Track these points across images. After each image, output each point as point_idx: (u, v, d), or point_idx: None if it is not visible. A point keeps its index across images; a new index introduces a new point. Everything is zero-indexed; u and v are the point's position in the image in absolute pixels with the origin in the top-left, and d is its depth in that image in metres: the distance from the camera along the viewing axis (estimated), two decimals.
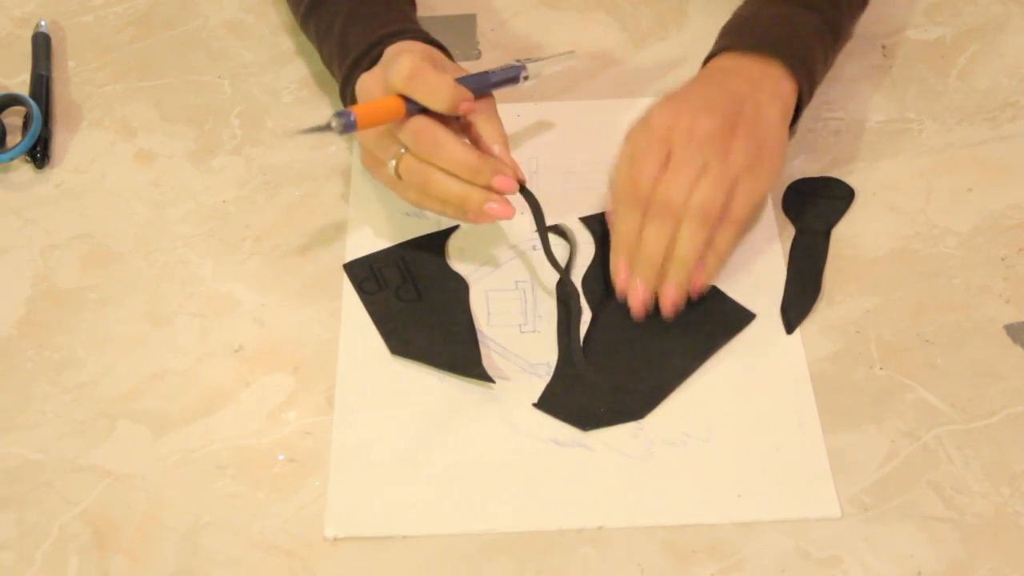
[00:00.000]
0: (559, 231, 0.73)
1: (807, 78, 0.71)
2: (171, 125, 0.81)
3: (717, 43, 0.74)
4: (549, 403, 0.65)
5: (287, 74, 0.83)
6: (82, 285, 0.72)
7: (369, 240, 0.73)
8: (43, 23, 0.85)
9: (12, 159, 0.78)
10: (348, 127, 0.62)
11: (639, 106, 0.79)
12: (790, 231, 0.73)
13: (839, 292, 0.70)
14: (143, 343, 0.69)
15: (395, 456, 0.64)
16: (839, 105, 0.80)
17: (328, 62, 0.76)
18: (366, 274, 0.71)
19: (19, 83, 0.83)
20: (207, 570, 0.60)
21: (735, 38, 0.73)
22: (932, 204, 0.74)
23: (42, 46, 0.84)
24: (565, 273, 0.68)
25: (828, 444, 0.63)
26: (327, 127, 0.62)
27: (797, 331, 0.68)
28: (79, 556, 0.61)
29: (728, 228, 0.66)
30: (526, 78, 0.72)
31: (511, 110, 0.79)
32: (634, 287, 0.66)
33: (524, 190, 0.67)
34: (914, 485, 0.62)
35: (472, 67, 0.82)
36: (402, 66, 0.63)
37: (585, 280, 0.70)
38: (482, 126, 0.66)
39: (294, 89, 0.82)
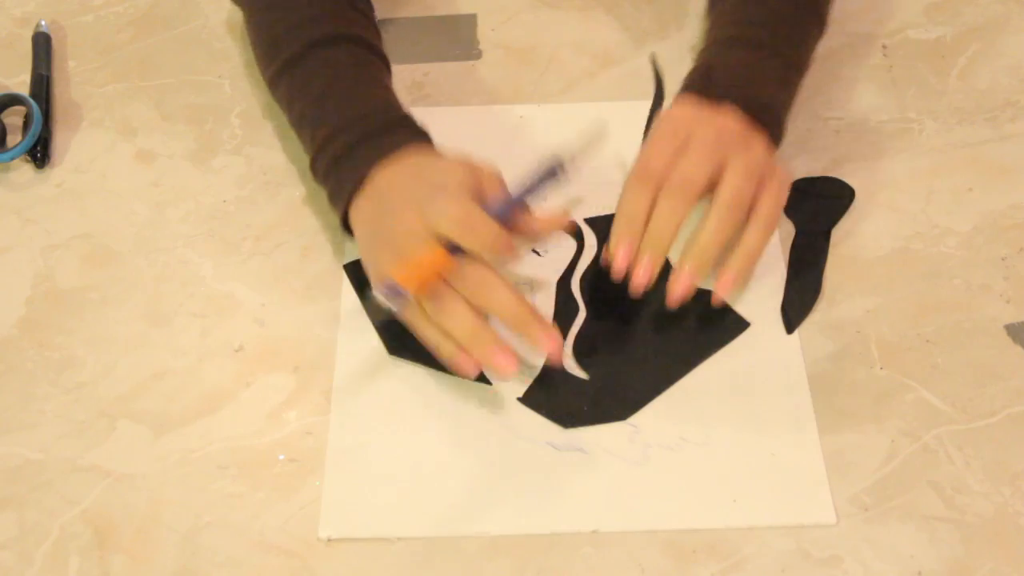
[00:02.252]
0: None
1: (777, 127, 0.69)
2: (171, 125, 0.80)
3: (682, 88, 0.70)
4: (534, 398, 0.65)
5: None
6: (82, 285, 0.72)
7: None
8: (43, 23, 0.85)
9: (12, 159, 0.78)
10: (400, 296, 0.60)
11: (640, 108, 0.79)
12: (790, 231, 0.73)
13: (839, 292, 0.70)
14: (143, 343, 0.69)
15: (391, 457, 0.64)
16: (839, 105, 0.80)
17: (298, 124, 0.72)
18: (366, 275, 0.71)
19: (19, 83, 0.83)
20: (207, 570, 0.60)
21: (700, 84, 0.69)
22: (932, 204, 0.74)
23: (42, 46, 0.84)
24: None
25: (828, 444, 0.63)
26: (385, 321, 0.63)
27: (795, 335, 0.68)
28: (79, 556, 0.61)
29: (762, 228, 0.63)
30: (561, 167, 0.64)
31: (513, 111, 0.79)
32: (642, 262, 0.62)
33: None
34: (914, 485, 0.62)
35: (472, 67, 0.83)
36: (450, 210, 0.60)
37: (584, 279, 0.70)
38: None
39: None
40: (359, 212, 0.66)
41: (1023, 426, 0.64)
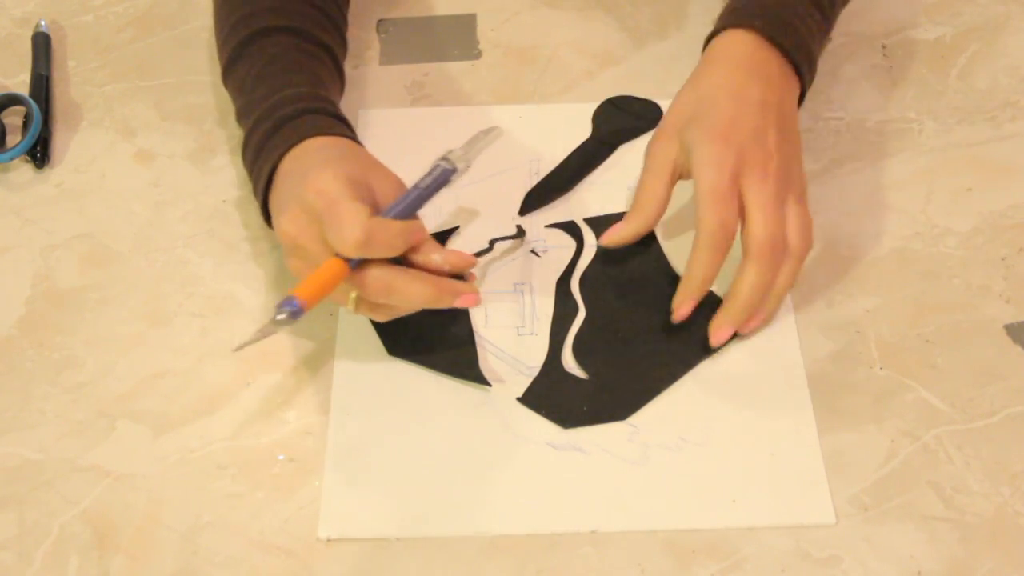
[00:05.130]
0: (569, 227, 0.73)
1: (810, 72, 0.71)
2: (171, 125, 0.81)
3: (720, 22, 0.71)
4: (533, 398, 0.65)
5: None
6: (82, 285, 0.72)
7: None
8: (43, 23, 0.85)
9: (12, 159, 0.78)
10: (295, 315, 0.58)
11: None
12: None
13: (839, 292, 0.70)
14: (143, 343, 0.69)
15: (391, 457, 0.64)
16: (839, 105, 0.80)
17: (237, 119, 0.72)
18: None
19: (19, 83, 0.83)
20: (207, 570, 0.60)
21: (742, 18, 0.70)
22: (932, 204, 0.74)
23: (42, 46, 0.84)
24: None
25: (828, 444, 0.63)
26: (274, 325, 0.58)
27: (796, 335, 0.67)
28: (79, 556, 0.61)
29: (797, 264, 0.66)
30: (455, 170, 0.66)
31: (512, 111, 0.79)
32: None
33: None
34: (914, 485, 0.62)
35: (472, 67, 0.83)
36: (352, 233, 0.58)
37: (584, 279, 0.70)
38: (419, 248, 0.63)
39: None
40: (272, 205, 0.65)
41: (1023, 426, 0.64)
